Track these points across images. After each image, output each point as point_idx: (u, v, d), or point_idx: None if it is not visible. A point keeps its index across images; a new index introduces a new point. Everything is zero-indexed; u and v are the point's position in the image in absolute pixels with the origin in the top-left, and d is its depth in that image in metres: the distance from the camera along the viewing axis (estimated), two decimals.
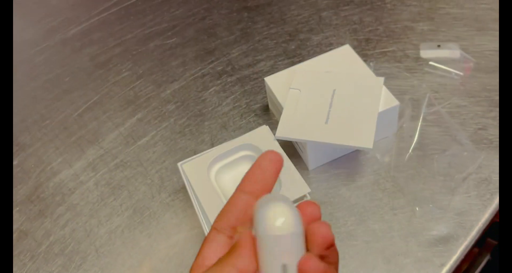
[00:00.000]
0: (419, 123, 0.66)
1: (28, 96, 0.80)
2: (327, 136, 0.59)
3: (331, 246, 0.32)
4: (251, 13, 0.85)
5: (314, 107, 0.62)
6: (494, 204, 0.59)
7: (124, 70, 0.80)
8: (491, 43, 0.74)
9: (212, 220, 0.55)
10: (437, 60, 0.73)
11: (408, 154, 0.63)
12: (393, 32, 0.78)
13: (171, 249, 0.60)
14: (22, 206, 0.67)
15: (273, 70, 0.76)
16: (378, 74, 0.72)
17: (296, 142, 0.65)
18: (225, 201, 0.58)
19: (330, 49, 0.76)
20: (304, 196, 0.57)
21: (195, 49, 0.81)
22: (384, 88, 0.63)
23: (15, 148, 0.73)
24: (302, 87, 0.64)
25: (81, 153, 0.71)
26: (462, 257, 0.56)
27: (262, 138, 0.62)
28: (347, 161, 0.65)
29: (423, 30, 0.77)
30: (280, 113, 0.64)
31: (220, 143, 0.68)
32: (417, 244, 0.57)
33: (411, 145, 0.64)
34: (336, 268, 0.34)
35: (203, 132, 0.71)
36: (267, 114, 0.71)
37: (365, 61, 0.73)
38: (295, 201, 0.56)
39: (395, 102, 0.62)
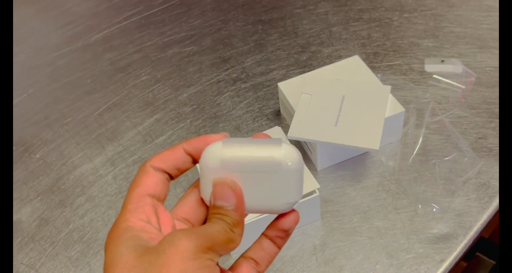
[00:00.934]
0: (423, 131, 0.69)
1: (50, 96, 0.84)
2: (336, 137, 0.63)
3: (286, 232, 0.37)
4: (265, 26, 0.90)
5: (324, 111, 0.66)
6: (492, 206, 0.62)
7: (143, 75, 0.85)
8: (492, 60, 0.79)
9: None
10: (441, 74, 0.77)
11: (411, 159, 0.67)
12: (400, 47, 0.82)
13: None
14: (44, 196, 0.70)
15: (285, 78, 0.80)
16: (384, 84, 0.76)
17: (306, 143, 0.69)
18: None
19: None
20: (313, 191, 0.60)
21: (212, 57, 0.86)
22: (390, 95, 0.68)
23: (37, 143, 0.77)
24: (313, 92, 0.68)
25: (101, 149, 0.75)
26: (462, 254, 0.59)
27: (274, 137, 0.65)
28: (354, 163, 0.68)
29: (428, 46, 0.82)
30: (292, 117, 0.68)
31: None
32: (418, 241, 0.60)
33: (415, 150, 0.68)
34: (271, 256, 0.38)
35: (217, 133, 0.74)
36: (279, 118, 0.75)
37: (372, 72, 0.77)
38: (304, 197, 0.60)
39: (400, 109, 0.66)
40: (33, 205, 0.70)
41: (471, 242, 0.60)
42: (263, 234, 0.38)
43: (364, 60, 0.81)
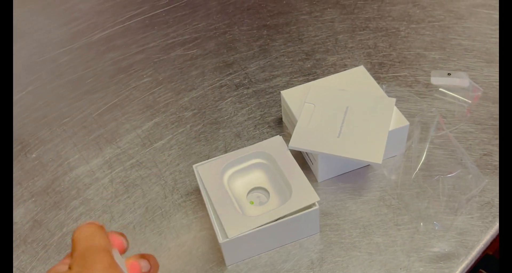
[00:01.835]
0: (427, 145, 0.68)
1: (50, 93, 0.83)
2: (338, 149, 0.62)
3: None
4: (270, 31, 0.89)
5: (327, 122, 0.65)
6: (496, 226, 0.61)
7: (145, 76, 0.84)
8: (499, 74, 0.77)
9: (223, 219, 0.57)
10: (447, 87, 0.76)
11: (414, 173, 0.66)
12: (406, 58, 0.81)
13: (180, 247, 0.62)
14: (38, 197, 0.69)
15: (288, 85, 0.79)
16: (389, 96, 0.75)
17: (307, 153, 0.67)
18: (236, 204, 0.60)
19: (345, 70, 0.79)
20: (313, 204, 0.59)
21: (215, 61, 0.85)
22: (395, 108, 0.66)
23: (34, 142, 0.76)
24: (316, 102, 0.67)
25: (99, 151, 0.74)
26: None
27: (275, 147, 0.64)
28: (355, 176, 0.67)
29: (435, 58, 0.81)
30: (294, 126, 0.66)
31: (234, 150, 0.71)
32: (418, 260, 0.59)
33: (418, 165, 0.66)
34: None
35: (217, 139, 0.73)
36: (280, 126, 0.74)
37: (377, 83, 0.76)
38: (303, 209, 0.59)
39: (405, 122, 0.65)
40: (26, 206, 0.68)
41: (473, 262, 0.59)
42: None
43: (369, 70, 0.80)
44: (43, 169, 0.72)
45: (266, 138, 0.72)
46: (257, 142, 0.71)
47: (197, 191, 0.68)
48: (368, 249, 0.60)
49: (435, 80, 0.77)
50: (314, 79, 0.79)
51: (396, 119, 0.65)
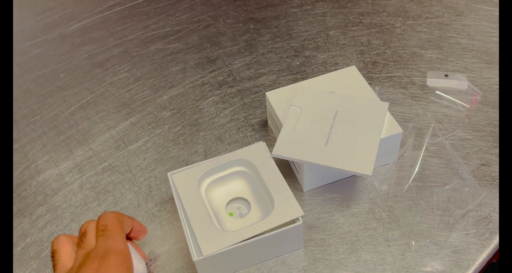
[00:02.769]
0: (421, 153, 0.64)
1: (20, 89, 0.77)
2: (325, 159, 0.57)
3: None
4: (257, 25, 0.83)
5: (315, 128, 0.60)
6: (493, 244, 0.56)
7: (121, 72, 0.78)
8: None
9: (198, 235, 0.53)
10: (444, 90, 0.71)
11: (407, 185, 0.61)
12: (401, 57, 0.76)
13: (152, 262, 0.58)
14: None
15: (275, 85, 0.74)
16: (382, 99, 0.70)
17: (292, 161, 0.63)
18: (213, 217, 0.55)
19: (335, 69, 0.74)
20: (297, 219, 0.54)
21: (197, 57, 0.79)
22: (388, 114, 0.61)
23: None
24: (303, 106, 0.62)
25: (69, 153, 0.68)
26: None
27: (257, 154, 0.59)
28: (344, 186, 0.62)
29: (431, 58, 0.76)
30: (279, 130, 0.61)
31: (214, 155, 0.66)
32: None
33: (411, 175, 0.62)
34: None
35: (197, 142, 0.68)
36: (265, 129, 0.69)
37: (370, 84, 0.71)
38: (286, 224, 0.54)
39: (398, 130, 0.60)
40: None
41: None
42: None
43: (362, 69, 0.74)
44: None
45: (249, 143, 0.67)
46: (240, 146, 0.66)
47: (173, 199, 0.63)
48: (355, 267, 0.56)
49: (431, 81, 0.72)
50: (303, 78, 0.74)
51: (389, 126, 0.61)
